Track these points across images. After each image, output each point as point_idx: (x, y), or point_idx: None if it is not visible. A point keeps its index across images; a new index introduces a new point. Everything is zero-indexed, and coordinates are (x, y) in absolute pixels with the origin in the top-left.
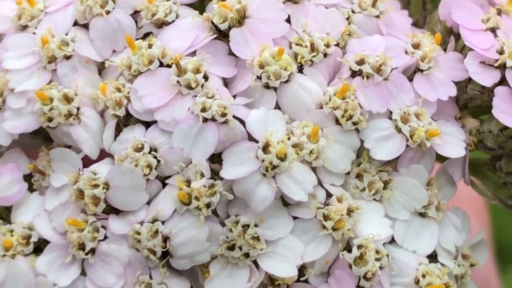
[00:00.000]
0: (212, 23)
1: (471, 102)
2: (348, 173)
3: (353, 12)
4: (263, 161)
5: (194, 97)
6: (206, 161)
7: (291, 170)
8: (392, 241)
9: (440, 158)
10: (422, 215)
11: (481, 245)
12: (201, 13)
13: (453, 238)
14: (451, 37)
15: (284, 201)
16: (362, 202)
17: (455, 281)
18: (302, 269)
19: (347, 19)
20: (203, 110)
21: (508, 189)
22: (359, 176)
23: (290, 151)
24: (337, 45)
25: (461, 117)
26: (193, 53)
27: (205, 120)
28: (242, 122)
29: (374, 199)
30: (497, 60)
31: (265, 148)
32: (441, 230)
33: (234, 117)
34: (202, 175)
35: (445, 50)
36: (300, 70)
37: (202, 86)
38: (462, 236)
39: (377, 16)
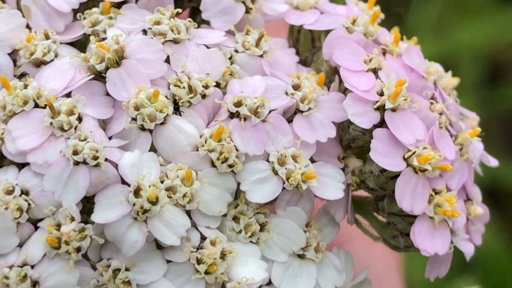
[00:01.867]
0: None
1: (353, 142)
2: (225, 215)
3: (236, 51)
4: (134, 205)
5: (68, 139)
6: (78, 204)
7: (163, 214)
8: (270, 283)
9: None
10: (301, 256)
11: (365, 285)
12: (85, 51)
13: (332, 279)
14: (335, 76)
15: (158, 244)
16: (238, 245)
17: None
18: None
19: (230, 58)
20: (75, 153)
21: (391, 229)
22: (235, 219)
23: (162, 194)
24: (218, 85)
25: (345, 156)
26: (70, 94)
27: (77, 163)
28: (116, 164)
29: (251, 242)
30: (376, 102)
31: (137, 192)
32: (321, 271)
33: (108, 160)
34: (73, 219)
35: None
36: (177, 110)
37: (75, 128)
38: (342, 277)
39: (261, 56)
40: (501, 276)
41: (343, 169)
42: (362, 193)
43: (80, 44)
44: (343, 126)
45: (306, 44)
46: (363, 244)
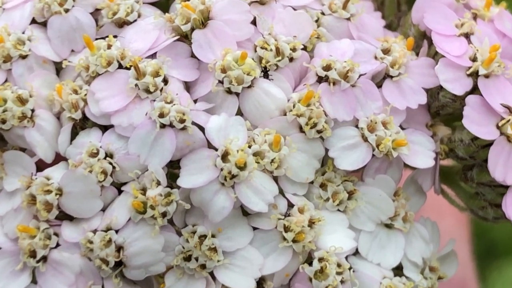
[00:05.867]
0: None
1: (443, 110)
2: (312, 182)
3: (322, 14)
4: (221, 170)
5: (153, 101)
6: (163, 168)
7: (251, 179)
8: (356, 252)
9: (410, 166)
10: (388, 226)
11: (450, 257)
12: (166, 12)
13: (420, 250)
14: (424, 41)
15: (244, 211)
16: (326, 213)
17: None
18: (261, 282)
19: (317, 21)
20: (161, 115)
21: (480, 200)
22: (323, 186)
23: (250, 160)
24: (305, 48)
25: (433, 124)
26: (154, 55)
27: (163, 126)
28: (202, 128)
29: (338, 210)
30: (469, 68)
31: (224, 157)
32: (408, 241)
33: (194, 123)
34: (158, 183)
35: (418, 54)
36: (266, 74)
37: (161, 90)
38: (430, 248)
39: (348, 19)
40: None
41: (431, 137)
42: (445, 162)
43: (160, 4)
44: (432, 93)
45: (392, 8)
46: (432, 214)
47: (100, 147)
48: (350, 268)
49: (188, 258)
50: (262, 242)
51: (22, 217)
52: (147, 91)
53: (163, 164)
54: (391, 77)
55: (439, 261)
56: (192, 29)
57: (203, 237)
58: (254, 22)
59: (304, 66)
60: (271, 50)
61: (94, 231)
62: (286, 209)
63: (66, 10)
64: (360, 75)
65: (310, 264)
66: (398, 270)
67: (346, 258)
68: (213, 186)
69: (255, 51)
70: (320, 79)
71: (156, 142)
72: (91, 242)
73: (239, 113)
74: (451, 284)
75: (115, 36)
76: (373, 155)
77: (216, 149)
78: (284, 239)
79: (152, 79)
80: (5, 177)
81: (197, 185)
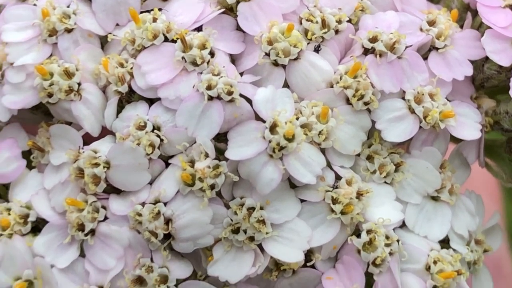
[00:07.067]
0: None
1: (487, 82)
2: (358, 155)
3: None
4: (270, 141)
5: (200, 74)
6: (211, 140)
7: (299, 151)
8: (403, 225)
9: (455, 139)
10: (435, 199)
11: (495, 230)
12: None
13: (466, 222)
14: (468, 13)
15: (292, 183)
16: (373, 185)
17: (467, 267)
18: (309, 254)
19: None
20: (209, 88)
21: None
22: (369, 158)
23: (298, 131)
24: (349, 21)
25: (477, 97)
26: (199, 28)
27: (211, 98)
28: (249, 100)
29: (385, 182)
30: None
31: (273, 128)
32: (454, 214)
33: (241, 95)
34: (207, 156)
35: (461, 27)
36: (317, 50)
37: (208, 62)
38: (475, 221)
39: None
40: None
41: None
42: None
43: None
44: (477, 65)
45: None
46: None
47: (148, 120)
48: (398, 240)
49: (236, 231)
50: (310, 214)
51: (69, 191)
52: (194, 63)
53: (211, 136)
54: (437, 49)
55: (484, 234)
56: (238, 2)
57: (251, 209)
58: None
59: (348, 39)
60: (316, 22)
61: (143, 204)
62: (333, 181)
63: None
64: (406, 47)
65: (358, 236)
66: (444, 243)
67: (393, 230)
68: (261, 158)
69: (301, 23)
70: (366, 51)
71: (203, 115)
72: (140, 215)
73: (286, 85)
74: (487, 261)
75: (159, 9)
76: (420, 127)
77: (264, 121)
78: (332, 211)
79: (199, 52)
80: (52, 151)
81: (245, 157)
